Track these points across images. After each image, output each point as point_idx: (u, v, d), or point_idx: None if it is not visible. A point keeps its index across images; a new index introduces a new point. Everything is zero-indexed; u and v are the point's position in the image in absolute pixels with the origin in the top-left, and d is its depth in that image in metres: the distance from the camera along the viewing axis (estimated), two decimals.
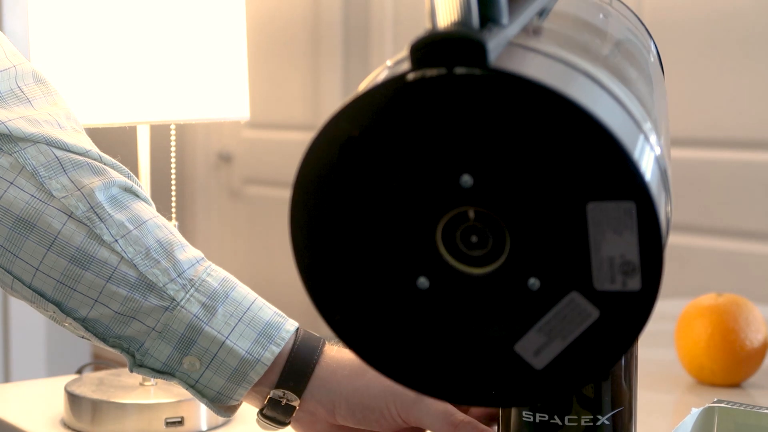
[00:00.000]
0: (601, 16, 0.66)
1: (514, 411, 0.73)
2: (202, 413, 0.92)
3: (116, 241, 0.75)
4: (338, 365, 0.78)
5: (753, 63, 2.31)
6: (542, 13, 0.58)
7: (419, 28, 0.52)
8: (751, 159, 2.33)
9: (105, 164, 0.78)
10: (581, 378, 0.48)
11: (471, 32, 0.45)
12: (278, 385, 0.77)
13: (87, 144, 0.79)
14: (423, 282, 0.48)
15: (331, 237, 0.50)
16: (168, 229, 0.78)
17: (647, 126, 0.50)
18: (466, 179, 0.46)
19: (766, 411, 0.79)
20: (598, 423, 0.71)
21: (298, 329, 0.79)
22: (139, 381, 0.95)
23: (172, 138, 1.07)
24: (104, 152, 0.80)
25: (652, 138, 0.50)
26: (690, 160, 2.43)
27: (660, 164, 0.49)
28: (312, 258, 0.50)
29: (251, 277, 3.74)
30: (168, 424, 0.90)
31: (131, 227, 0.76)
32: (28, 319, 2.89)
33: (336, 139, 0.48)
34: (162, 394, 0.92)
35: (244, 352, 0.76)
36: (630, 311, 0.47)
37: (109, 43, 0.96)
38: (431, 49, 0.45)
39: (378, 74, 0.48)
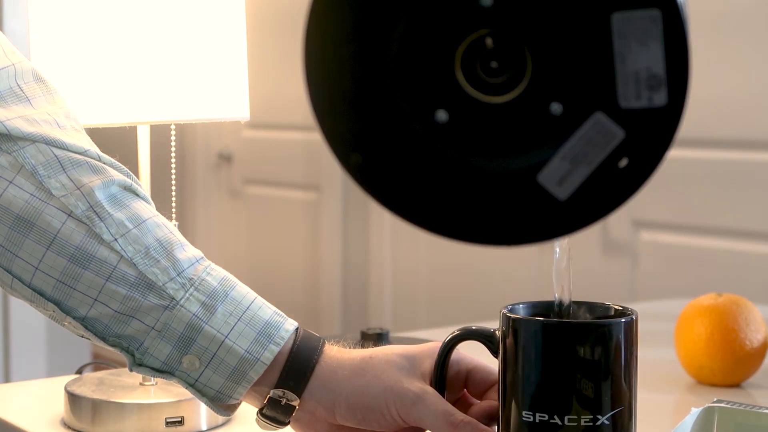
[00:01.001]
0: None
1: (514, 411, 0.73)
2: (202, 413, 0.92)
3: (116, 240, 0.75)
4: (338, 365, 0.78)
5: (754, 63, 2.31)
6: None
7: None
8: (751, 159, 2.33)
9: (104, 163, 0.78)
10: (605, 207, 0.46)
11: None
12: (278, 385, 0.77)
13: (86, 143, 0.79)
14: (442, 115, 0.46)
15: (346, 68, 0.47)
16: (168, 228, 0.78)
17: None
18: None
19: (766, 411, 0.79)
20: (598, 423, 0.71)
21: (297, 329, 0.79)
22: (139, 381, 0.95)
23: (172, 138, 1.07)
24: (104, 152, 0.80)
25: None
26: (690, 160, 2.43)
27: None
28: (326, 93, 0.47)
29: (251, 277, 3.74)
30: (168, 424, 0.90)
31: (131, 226, 0.76)
32: (28, 319, 2.89)
33: None
34: (162, 394, 0.92)
35: (243, 351, 0.76)
36: (656, 129, 0.45)
37: (109, 42, 0.96)
38: None
39: None
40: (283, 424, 0.79)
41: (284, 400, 0.77)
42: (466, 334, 0.77)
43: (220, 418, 0.93)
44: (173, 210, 1.02)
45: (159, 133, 1.08)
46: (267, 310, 0.78)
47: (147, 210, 0.78)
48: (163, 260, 0.75)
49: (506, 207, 0.47)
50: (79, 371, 1.04)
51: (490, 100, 0.47)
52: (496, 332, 0.75)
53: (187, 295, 0.75)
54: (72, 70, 0.96)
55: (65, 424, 0.93)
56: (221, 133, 3.85)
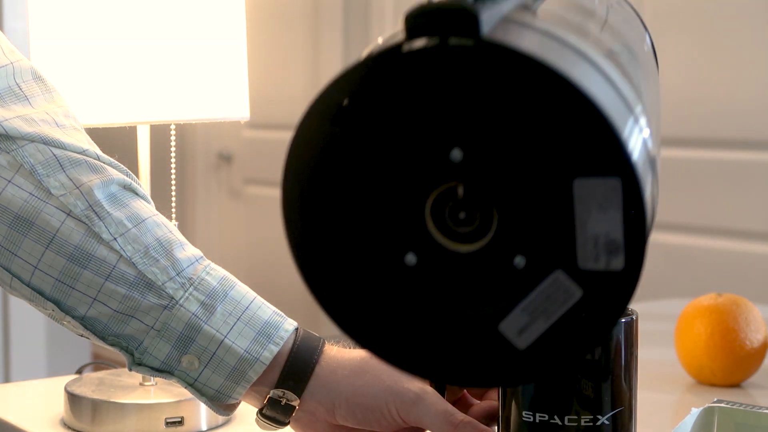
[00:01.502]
0: (597, 2, 0.67)
1: (514, 411, 0.73)
2: (202, 413, 0.92)
3: (115, 239, 0.75)
4: (338, 365, 0.78)
5: (754, 63, 2.31)
6: None
7: None
8: (751, 159, 2.33)
9: (103, 162, 0.78)
10: (562, 359, 0.48)
11: (465, 3, 0.45)
12: (278, 385, 0.77)
13: (85, 142, 0.79)
14: (411, 258, 0.48)
15: (321, 211, 0.49)
16: (167, 227, 0.78)
17: (638, 108, 0.50)
18: (456, 154, 0.46)
19: (766, 411, 0.79)
20: (598, 423, 0.71)
21: (297, 329, 0.79)
22: (139, 381, 0.95)
23: (172, 138, 1.07)
24: (104, 152, 0.80)
25: (642, 120, 0.50)
26: (690, 160, 2.43)
27: (648, 146, 0.49)
28: (302, 232, 0.50)
29: (251, 277, 3.74)
30: (168, 424, 0.90)
31: (130, 225, 0.75)
32: (28, 319, 2.89)
33: (327, 110, 0.48)
34: (162, 394, 0.92)
35: (242, 351, 0.76)
36: (612, 291, 0.47)
37: (109, 42, 0.96)
38: (425, 19, 0.45)
39: (372, 47, 0.48)
40: (283, 424, 0.79)
41: (284, 401, 0.77)
42: None
43: (220, 418, 0.93)
44: (173, 210, 1.02)
45: (159, 133, 1.08)
46: (266, 309, 0.78)
47: (146, 209, 0.78)
48: (162, 260, 0.75)
49: (467, 350, 0.50)
50: (79, 371, 1.04)
51: (457, 248, 0.48)
52: None
53: (187, 294, 0.75)
54: (72, 70, 0.96)
55: (65, 424, 0.93)
56: (221, 133, 3.85)
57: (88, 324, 0.76)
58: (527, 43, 0.46)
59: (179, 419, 0.90)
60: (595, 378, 0.72)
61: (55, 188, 0.75)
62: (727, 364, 1.04)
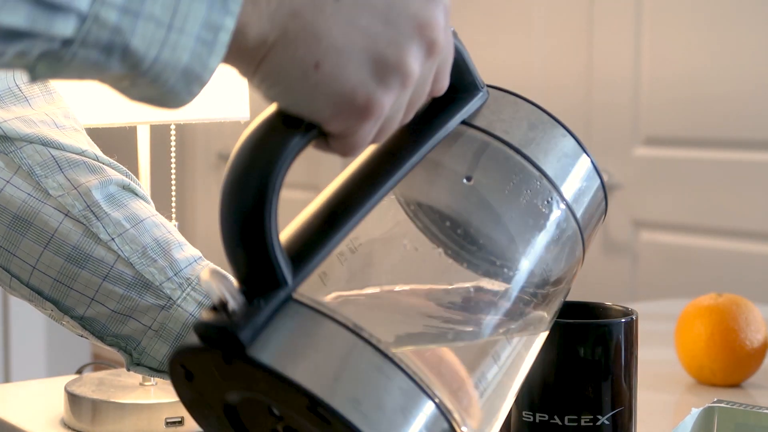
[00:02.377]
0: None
1: (514, 411, 0.73)
2: None
3: (112, 239, 0.75)
4: None
5: (754, 62, 2.31)
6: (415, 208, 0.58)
7: None
8: (751, 159, 2.33)
9: (102, 163, 0.78)
10: None
11: (227, 323, 0.48)
12: None
13: (84, 143, 0.79)
14: None
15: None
16: (166, 227, 0.78)
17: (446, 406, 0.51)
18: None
19: (766, 411, 0.79)
20: (598, 423, 0.71)
21: None
22: (139, 381, 0.95)
23: (172, 138, 1.07)
24: (104, 152, 0.80)
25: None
26: (690, 160, 2.43)
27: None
28: None
29: None
30: (168, 424, 0.90)
31: (128, 226, 0.76)
32: (28, 319, 2.89)
33: (178, 375, 0.54)
34: (162, 394, 0.92)
35: None
36: None
37: None
38: (203, 330, 0.49)
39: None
40: None
41: None
42: None
43: None
44: (173, 210, 1.02)
45: (159, 133, 1.08)
46: None
47: (145, 209, 0.78)
48: (160, 260, 0.75)
49: None
50: (79, 371, 1.04)
51: None
52: None
53: (184, 294, 0.75)
54: None
55: (65, 424, 0.93)
56: (221, 133, 3.85)
57: (86, 324, 0.76)
58: (302, 355, 0.48)
59: (179, 419, 0.90)
60: (595, 378, 0.72)
61: (53, 189, 0.75)
62: (727, 364, 1.04)
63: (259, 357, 0.47)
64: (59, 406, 0.97)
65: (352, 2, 0.48)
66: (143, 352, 0.76)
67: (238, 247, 0.49)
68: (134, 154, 1.01)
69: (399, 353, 0.49)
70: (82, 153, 0.77)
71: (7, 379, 2.89)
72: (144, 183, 1.01)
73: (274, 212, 0.49)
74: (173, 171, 1.07)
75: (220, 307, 0.48)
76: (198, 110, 0.99)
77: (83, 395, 0.92)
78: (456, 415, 0.51)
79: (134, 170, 0.84)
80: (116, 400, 0.91)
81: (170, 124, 1.02)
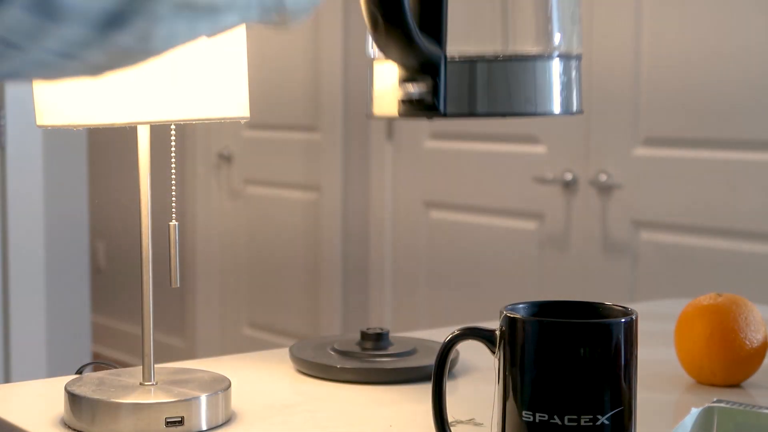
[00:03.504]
0: None
1: (514, 411, 0.73)
2: (202, 413, 0.92)
3: None
4: None
5: (755, 62, 2.31)
6: None
7: None
8: (751, 159, 2.33)
9: None
10: None
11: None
12: None
13: None
14: None
15: None
16: None
17: None
18: None
19: (765, 411, 0.79)
20: (598, 423, 0.71)
21: None
22: (139, 381, 0.95)
23: (172, 138, 1.07)
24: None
25: None
26: (690, 160, 2.43)
27: None
28: None
29: (250, 277, 3.74)
30: (168, 424, 0.90)
31: None
32: (28, 319, 2.89)
33: None
34: (162, 394, 0.92)
35: None
36: None
37: None
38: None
39: None
40: None
41: None
42: (466, 334, 0.77)
43: (220, 418, 0.93)
44: (173, 210, 1.02)
45: (159, 133, 1.08)
46: None
47: None
48: None
49: None
50: (79, 371, 1.04)
51: None
52: (496, 332, 0.75)
53: None
54: None
55: (65, 424, 0.93)
56: (221, 133, 3.85)
57: None
58: None
59: (179, 419, 0.90)
60: (595, 378, 0.72)
61: None
62: (726, 364, 1.04)
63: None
64: (59, 406, 0.97)
65: None
66: None
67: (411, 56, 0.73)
68: (134, 154, 1.01)
69: None
70: None
71: (7, 379, 2.89)
72: (144, 183, 1.01)
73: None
74: (173, 171, 1.07)
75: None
76: (198, 110, 0.99)
77: (83, 395, 0.92)
78: None
79: (134, 170, 0.84)
80: (116, 400, 0.91)
81: (170, 124, 1.02)
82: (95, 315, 4.58)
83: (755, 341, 1.04)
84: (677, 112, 2.45)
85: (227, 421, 0.94)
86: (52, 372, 2.89)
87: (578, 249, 2.68)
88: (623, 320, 0.73)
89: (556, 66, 0.77)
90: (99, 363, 1.08)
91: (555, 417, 0.71)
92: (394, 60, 0.75)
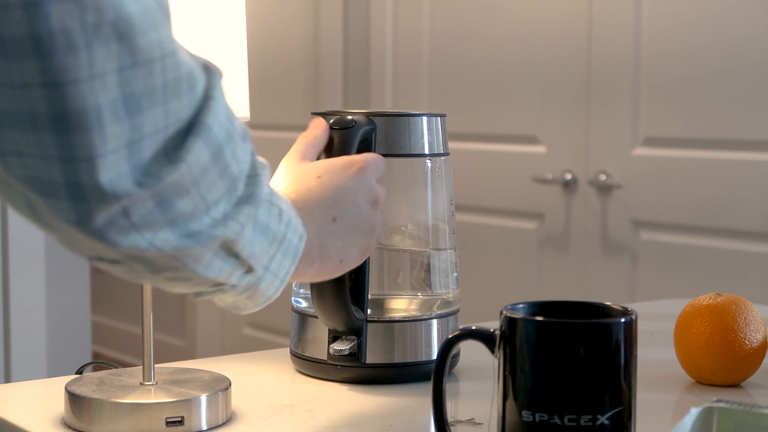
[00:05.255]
0: None
1: (513, 410, 0.73)
2: (202, 413, 0.92)
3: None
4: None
5: (755, 62, 2.31)
6: None
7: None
8: (751, 159, 2.33)
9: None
10: None
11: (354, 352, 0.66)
12: None
13: None
14: None
15: None
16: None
17: None
18: None
19: (765, 411, 0.79)
20: (598, 423, 0.71)
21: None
22: (139, 381, 0.95)
23: None
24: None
25: None
26: (690, 160, 2.43)
27: None
28: None
29: None
30: (168, 424, 0.90)
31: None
32: (28, 319, 2.89)
33: None
34: (162, 394, 0.92)
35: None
36: None
37: None
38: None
39: None
40: None
41: None
42: (466, 334, 0.77)
43: (221, 418, 0.93)
44: None
45: None
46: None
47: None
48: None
49: None
50: (79, 371, 1.04)
51: None
52: (496, 332, 0.75)
53: None
54: None
55: (65, 424, 0.93)
56: None
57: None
58: None
59: (179, 419, 0.90)
60: (595, 378, 0.72)
61: None
62: (726, 364, 1.04)
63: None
64: (59, 406, 0.97)
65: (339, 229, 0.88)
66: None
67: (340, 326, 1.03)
68: None
69: None
70: None
71: (7, 379, 2.89)
72: None
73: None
74: None
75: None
76: None
77: (83, 395, 0.92)
78: None
79: None
80: (116, 400, 0.91)
81: None
82: (95, 315, 4.57)
83: (755, 341, 1.04)
84: (677, 112, 2.45)
85: (227, 421, 0.94)
86: (52, 372, 2.89)
87: (578, 249, 2.68)
88: (623, 320, 0.73)
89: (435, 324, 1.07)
90: (99, 363, 1.08)
91: (555, 417, 0.71)
92: (331, 326, 1.04)
